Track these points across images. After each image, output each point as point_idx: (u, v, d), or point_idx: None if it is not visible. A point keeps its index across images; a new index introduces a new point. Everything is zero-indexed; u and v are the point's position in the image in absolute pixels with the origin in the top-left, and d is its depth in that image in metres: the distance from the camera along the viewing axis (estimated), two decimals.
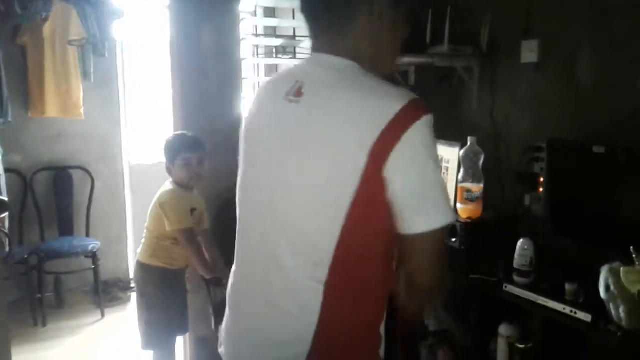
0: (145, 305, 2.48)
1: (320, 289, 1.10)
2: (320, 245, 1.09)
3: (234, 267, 1.30)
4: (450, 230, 2.37)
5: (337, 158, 1.05)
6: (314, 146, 1.08)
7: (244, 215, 1.26)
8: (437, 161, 1.07)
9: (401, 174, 1.03)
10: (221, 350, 1.30)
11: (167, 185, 2.51)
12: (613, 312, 1.68)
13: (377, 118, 1.02)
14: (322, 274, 1.09)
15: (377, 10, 1.13)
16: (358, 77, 1.11)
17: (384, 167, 1.02)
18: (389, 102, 1.04)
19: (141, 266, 2.49)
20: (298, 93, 1.12)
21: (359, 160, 1.01)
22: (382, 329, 1.22)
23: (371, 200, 1.05)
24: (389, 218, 1.07)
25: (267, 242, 1.17)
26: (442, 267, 1.11)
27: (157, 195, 2.49)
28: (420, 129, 1.03)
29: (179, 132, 2.64)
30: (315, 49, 1.19)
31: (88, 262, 4.00)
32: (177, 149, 2.48)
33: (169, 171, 2.50)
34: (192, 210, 2.48)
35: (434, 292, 1.13)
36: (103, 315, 3.94)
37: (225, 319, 1.31)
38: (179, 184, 2.49)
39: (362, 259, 1.12)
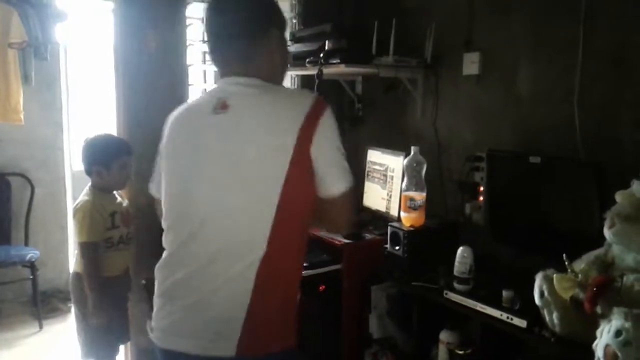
0: (82, 315, 2.40)
1: (252, 279, 1.28)
2: (256, 229, 1.29)
3: (163, 263, 1.42)
4: (393, 237, 2.40)
5: (270, 150, 1.29)
6: (245, 146, 1.30)
7: (174, 217, 1.40)
8: (339, 139, 1.36)
9: (322, 151, 1.31)
10: (153, 335, 1.41)
11: (85, 192, 2.42)
12: (547, 318, 1.73)
13: (298, 111, 1.31)
14: (254, 266, 1.28)
15: (275, 44, 1.44)
16: (271, 87, 1.40)
17: (310, 147, 1.29)
18: (303, 99, 1.35)
19: (76, 275, 2.42)
20: (224, 106, 1.34)
21: (288, 146, 1.27)
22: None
23: (298, 181, 1.30)
24: (310, 196, 1.34)
25: (201, 239, 1.33)
26: (351, 215, 1.45)
27: (74, 205, 2.41)
28: (329, 116, 1.34)
29: (103, 134, 2.50)
30: (226, 74, 1.42)
31: (26, 272, 3.84)
32: (115, 152, 2.39)
33: (99, 175, 2.39)
34: (113, 213, 2.41)
35: (347, 229, 1.55)
36: (41, 327, 3.78)
37: (158, 308, 1.41)
38: (101, 188, 2.41)
39: (287, 247, 1.34)
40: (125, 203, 2.53)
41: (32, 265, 3.81)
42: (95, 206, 2.36)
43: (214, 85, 1.48)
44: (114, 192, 2.49)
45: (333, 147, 1.35)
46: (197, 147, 1.37)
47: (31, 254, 3.82)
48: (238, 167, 1.31)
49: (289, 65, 1.61)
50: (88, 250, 2.33)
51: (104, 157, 2.38)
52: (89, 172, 2.43)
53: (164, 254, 1.42)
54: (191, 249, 1.35)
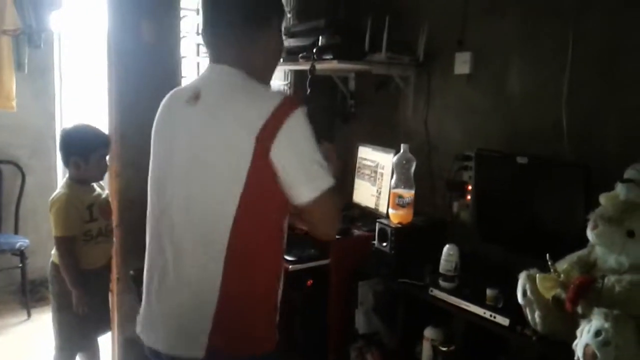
0: (58, 305, 2.39)
1: (220, 265, 1.27)
2: (219, 225, 1.27)
3: (146, 253, 1.44)
4: (381, 234, 2.42)
5: (229, 148, 1.25)
6: (209, 139, 1.29)
7: (153, 205, 1.42)
8: (311, 142, 1.28)
9: (284, 155, 1.24)
10: (139, 330, 1.44)
11: (62, 186, 2.39)
12: (529, 316, 1.75)
13: (261, 111, 1.24)
14: (221, 252, 1.27)
15: (272, 37, 1.40)
16: (246, 83, 1.34)
17: (270, 150, 1.23)
18: (270, 99, 1.27)
19: (53, 266, 2.39)
20: (195, 98, 1.33)
21: (248, 147, 1.22)
22: (277, 301, 1.41)
23: (261, 182, 1.25)
24: (277, 196, 1.29)
25: (173, 227, 1.34)
26: (335, 220, 1.36)
27: (50, 198, 2.38)
28: (296, 118, 1.25)
29: (82, 125, 2.46)
30: (215, 59, 1.39)
31: (15, 261, 3.84)
32: (94, 144, 2.36)
33: (77, 167, 2.35)
34: (90, 206, 2.38)
35: (332, 235, 1.41)
36: (29, 315, 3.79)
37: (143, 301, 1.44)
38: (78, 180, 2.37)
39: (255, 237, 1.30)
40: (104, 194, 2.49)
41: (21, 254, 3.80)
42: (71, 199, 2.33)
43: (202, 72, 1.46)
44: (93, 184, 2.46)
45: (298, 151, 1.27)
46: (170, 138, 1.38)
47: (21, 242, 3.82)
48: (201, 162, 1.30)
49: (281, 59, 1.56)
50: (64, 244, 2.30)
51: (83, 149, 2.35)
52: (66, 163, 2.40)
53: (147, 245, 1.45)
54: (162, 241, 1.37)
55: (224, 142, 1.26)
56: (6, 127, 4.03)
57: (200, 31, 1.44)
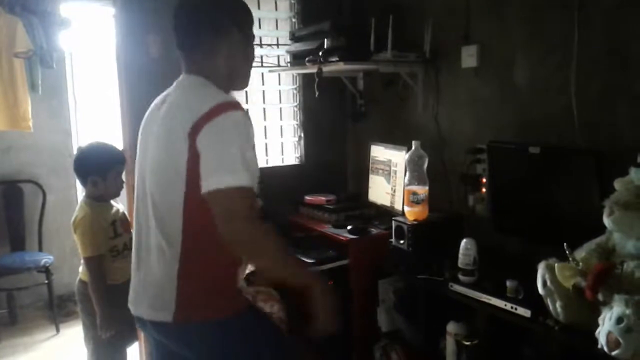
0: (89, 323, 2.41)
1: (177, 246, 1.45)
2: (172, 213, 1.44)
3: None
4: (397, 231, 2.43)
5: (172, 145, 1.41)
6: (161, 138, 1.47)
7: (137, 198, 1.60)
8: (235, 140, 1.38)
9: (204, 144, 1.37)
10: (129, 302, 1.64)
11: (81, 205, 2.41)
12: (550, 306, 1.75)
13: (198, 111, 1.38)
14: (177, 238, 1.45)
15: (235, 44, 1.53)
16: (200, 89, 1.49)
17: (197, 140, 1.37)
18: (209, 102, 1.40)
19: (82, 284, 2.42)
20: (163, 103, 1.53)
21: (184, 142, 1.38)
22: (240, 284, 1.58)
23: (196, 172, 1.38)
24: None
25: (143, 217, 1.55)
26: (236, 221, 1.37)
27: (72, 220, 2.39)
28: (227, 116, 1.38)
29: (96, 143, 2.48)
30: (185, 69, 1.56)
31: (41, 277, 3.91)
32: (111, 162, 2.39)
33: (95, 185, 2.37)
34: (114, 222, 2.41)
35: (233, 236, 1.38)
36: (58, 330, 3.86)
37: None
38: (97, 198, 2.40)
39: (204, 218, 1.39)
40: (121, 209, 2.53)
41: (46, 270, 3.87)
42: (95, 218, 2.35)
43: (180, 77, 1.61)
44: (110, 200, 2.48)
45: (218, 143, 1.37)
46: (144, 139, 1.59)
47: (45, 259, 3.89)
48: (158, 159, 1.49)
49: (252, 64, 1.66)
50: (94, 263, 2.33)
51: (100, 168, 2.37)
52: (84, 182, 2.42)
53: None
54: (141, 228, 1.57)
55: (168, 140, 1.44)
56: (24, 147, 4.11)
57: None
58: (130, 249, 2.48)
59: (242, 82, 1.63)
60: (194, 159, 1.38)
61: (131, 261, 1.62)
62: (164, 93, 1.60)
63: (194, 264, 1.47)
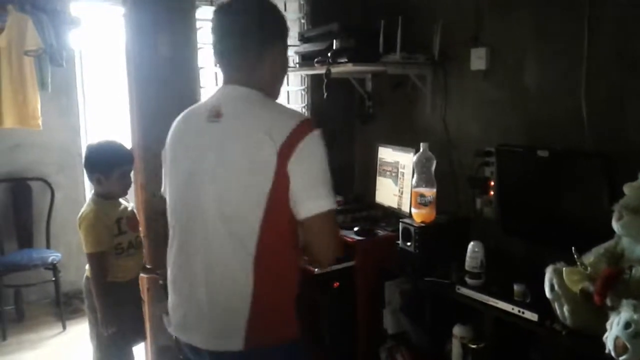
0: (95, 320, 2.43)
1: (250, 267, 1.37)
2: (248, 229, 1.36)
3: (172, 260, 1.53)
4: (404, 233, 2.42)
5: (255, 161, 1.35)
6: (236, 153, 1.37)
7: (177, 217, 1.50)
8: (323, 164, 1.38)
9: (297, 170, 1.34)
10: (171, 329, 1.54)
11: (89, 203, 2.41)
12: (558, 311, 1.74)
13: (282, 128, 1.34)
14: (250, 254, 1.36)
15: (278, 54, 1.50)
16: (263, 101, 1.45)
17: (288, 164, 1.33)
18: (291, 118, 1.38)
19: (88, 281, 2.43)
20: (218, 115, 1.42)
21: (272, 159, 1.32)
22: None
23: (281, 192, 1.34)
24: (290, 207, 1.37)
25: (192, 234, 1.44)
26: (330, 243, 1.42)
27: (78, 215, 2.40)
28: (313, 138, 1.36)
29: (105, 141, 2.47)
30: (228, 81, 1.49)
31: (49, 274, 3.93)
32: (115, 161, 2.38)
33: (99, 183, 2.38)
34: (118, 220, 2.41)
35: (330, 260, 1.46)
36: (64, 327, 3.87)
37: (170, 301, 1.53)
38: (104, 196, 2.40)
39: (280, 240, 1.39)
40: (130, 207, 2.53)
41: (54, 268, 3.89)
42: (99, 215, 2.35)
43: (214, 92, 1.53)
44: (120, 198, 2.49)
45: (310, 169, 1.36)
46: (195, 153, 1.45)
47: (53, 256, 3.91)
48: (229, 173, 1.38)
49: (286, 76, 1.64)
50: (95, 259, 2.33)
51: (104, 166, 2.37)
52: (90, 179, 2.44)
53: (170, 250, 1.54)
54: (191, 247, 1.46)
55: (249, 155, 1.36)
56: (34, 145, 4.14)
57: (213, 55, 1.51)
58: (137, 247, 2.53)
59: (278, 92, 1.59)
60: (281, 180, 1.33)
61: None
62: (207, 104, 1.48)
63: (269, 278, 1.41)
